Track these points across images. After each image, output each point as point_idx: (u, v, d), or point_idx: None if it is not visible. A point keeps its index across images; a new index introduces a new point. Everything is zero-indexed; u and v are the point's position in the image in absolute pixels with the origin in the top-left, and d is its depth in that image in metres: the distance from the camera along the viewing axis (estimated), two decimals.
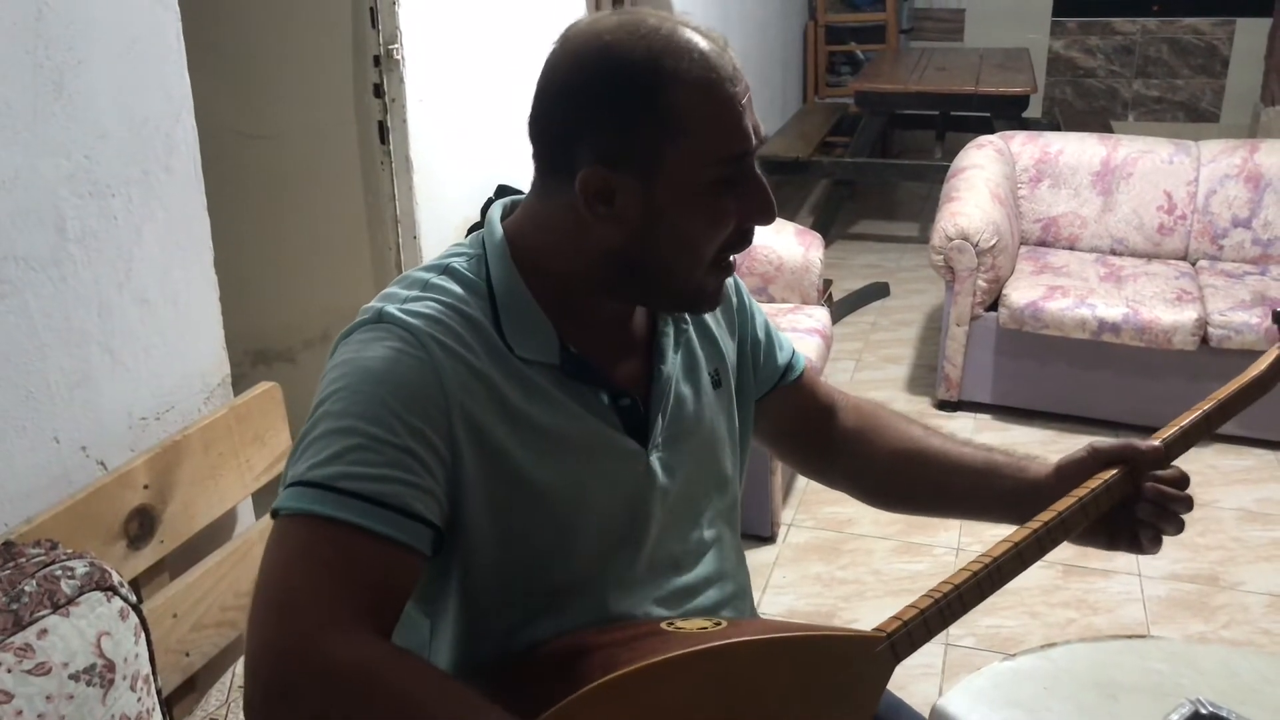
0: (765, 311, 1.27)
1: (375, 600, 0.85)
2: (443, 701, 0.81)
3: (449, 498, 0.93)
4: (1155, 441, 1.14)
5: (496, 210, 1.06)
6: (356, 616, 0.83)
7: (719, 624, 0.97)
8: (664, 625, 0.98)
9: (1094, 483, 1.10)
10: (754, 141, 0.96)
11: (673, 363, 1.08)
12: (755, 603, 1.25)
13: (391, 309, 0.95)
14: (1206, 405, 1.17)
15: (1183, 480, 1.13)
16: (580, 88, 0.94)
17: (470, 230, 1.08)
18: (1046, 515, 1.06)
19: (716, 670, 0.88)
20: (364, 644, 0.81)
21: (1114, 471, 1.11)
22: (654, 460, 1.05)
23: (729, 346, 1.18)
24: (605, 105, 0.93)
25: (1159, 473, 1.13)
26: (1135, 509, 1.11)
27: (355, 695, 0.79)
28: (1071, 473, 1.14)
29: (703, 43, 0.95)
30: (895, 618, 0.96)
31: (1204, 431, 1.18)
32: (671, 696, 0.85)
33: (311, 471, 0.87)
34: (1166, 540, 1.16)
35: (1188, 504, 1.12)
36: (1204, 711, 1.20)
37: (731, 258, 1.01)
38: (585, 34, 0.95)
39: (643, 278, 0.99)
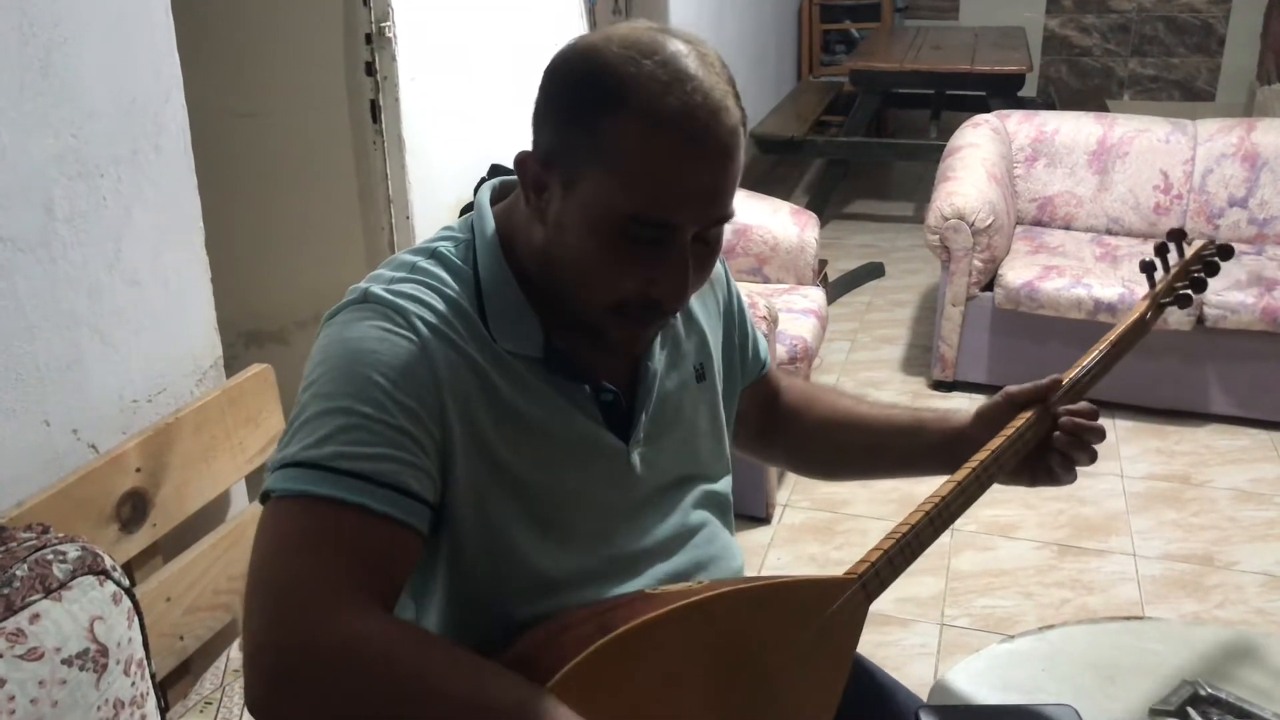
0: (760, 292, 1.27)
1: (376, 579, 0.84)
2: (458, 671, 0.80)
3: (441, 478, 0.92)
4: (1055, 375, 1.21)
5: (486, 193, 1.03)
6: (358, 594, 0.81)
7: (700, 583, 1.00)
8: (646, 590, 0.99)
9: (1018, 422, 1.16)
10: (685, 221, 0.89)
11: (658, 359, 1.07)
12: None
13: (377, 289, 0.94)
14: (1101, 346, 1.28)
15: (1093, 411, 1.18)
16: (554, 77, 0.92)
17: (463, 210, 1.06)
18: (982, 455, 1.13)
19: (705, 621, 0.91)
20: (369, 620, 0.80)
21: (1029, 413, 1.18)
22: (635, 457, 1.04)
23: (716, 339, 1.17)
24: (561, 102, 0.91)
25: (1071, 406, 1.18)
26: (1053, 440, 1.17)
27: (367, 672, 0.78)
28: (990, 417, 1.19)
29: (691, 98, 0.86)
30: (863, 560, 1.02)
31: (1103, 371, 1.27)
32: (667, 650, 0.88)
33: (305, 452, 0.86)
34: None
35: (1100, 434, 1.17)
36: (1202, 693, 1.20)
37: (647, 318, 0.95)
38: (602, 33, 0.92)
39: (554, 288, 0.96)
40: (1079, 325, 3.40)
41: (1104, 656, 1.30)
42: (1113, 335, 1.30)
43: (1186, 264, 1.39)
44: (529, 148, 0.94)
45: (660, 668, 0.87)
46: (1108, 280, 3.38)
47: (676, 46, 0.89)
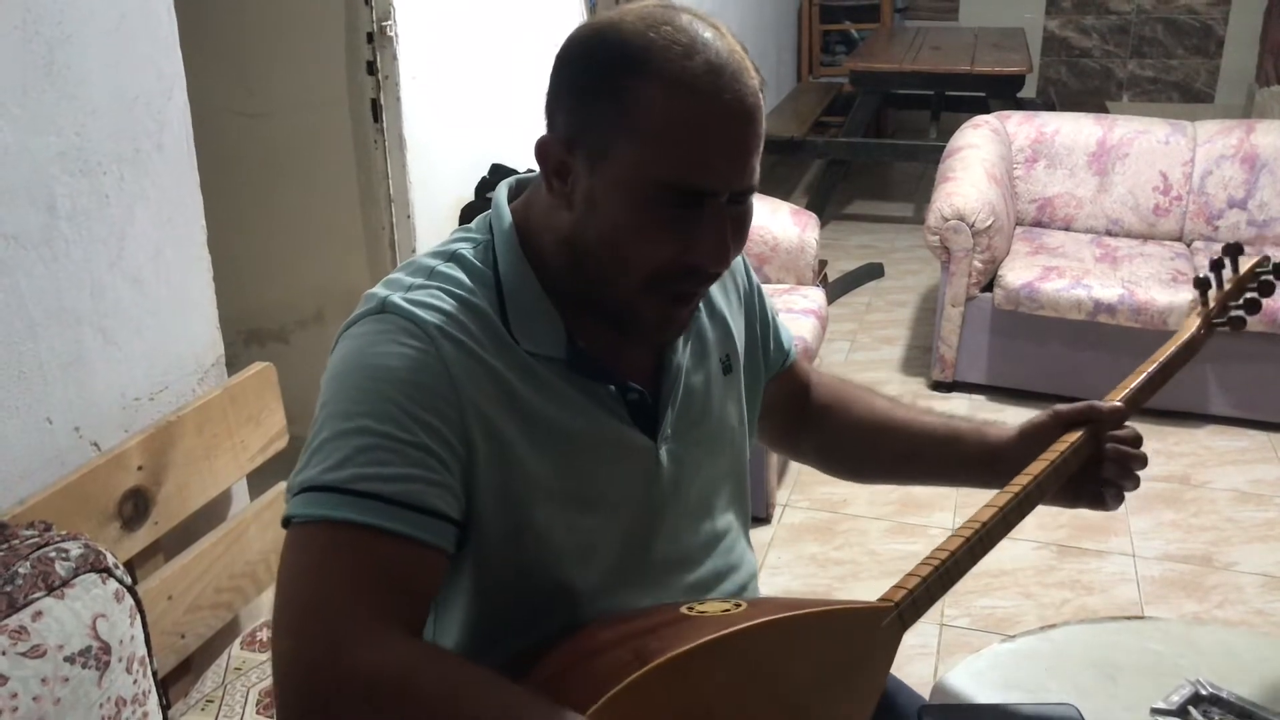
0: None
1: (403, 602, 0.83)
2: (486, 699, 0.79)
3: (465, 492, 0.91)
4: (1116, 403, 1.17)
5: (502, 192, 1.02)
6: (386, 620, 0.81)
7: (740, 605, 0.96)
8: (684, 610, 0.96)
9: (1061, 445, 1.13)
10: (720, 185, 0.89)
11: (682, 353, 1.05)
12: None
13: (395, 298, 0.92)
14: (1149, 368, 1.23)
15: (1138, 439, 1.16)
16: (570, 54, 0.91)
17: (464, 209, 1.06)
18: (1023, 479, 1.10)
19: (745, 651, 0.88)
20: (398, 648, 0.80)
21: (1079, 434, 1.14)
22: (663, 453, 1.02)
23: (739, 328, 1.15)
24: (580, 77, 0.90)
25: (1116, 433, 1.15)
26: (1100, 469, 1.14)
27: (396, 701, 0.77)
28: (1035, 435, 1.17)
29: (712, 60, 0.86)
30: (899, 586, 0.99)
31: (1149, 394, 1.23)
32: (707, 680, 0.85)
33: (324, 475, 0.85)
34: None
35: (1144, 461, 1.15)
36: (1203, 692, 1.20)
37: (684, 291, 0.94)
38: (612, 13, 0.91)
39: (584, 277, 0.94)
40: (1079, 326, 3.40)
41: (1105, 656, 1.29)
42: (1161, 355, 1.24)
43: (1241, 281, 1.33)
44: (546, 133, 0.93)
45: (699, 702, 0.85)
46: (1107, 281, 3.38)
47: (689, 18, 0.90)
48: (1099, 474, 1.14)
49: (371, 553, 0.83)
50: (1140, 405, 1.21)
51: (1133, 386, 1.20)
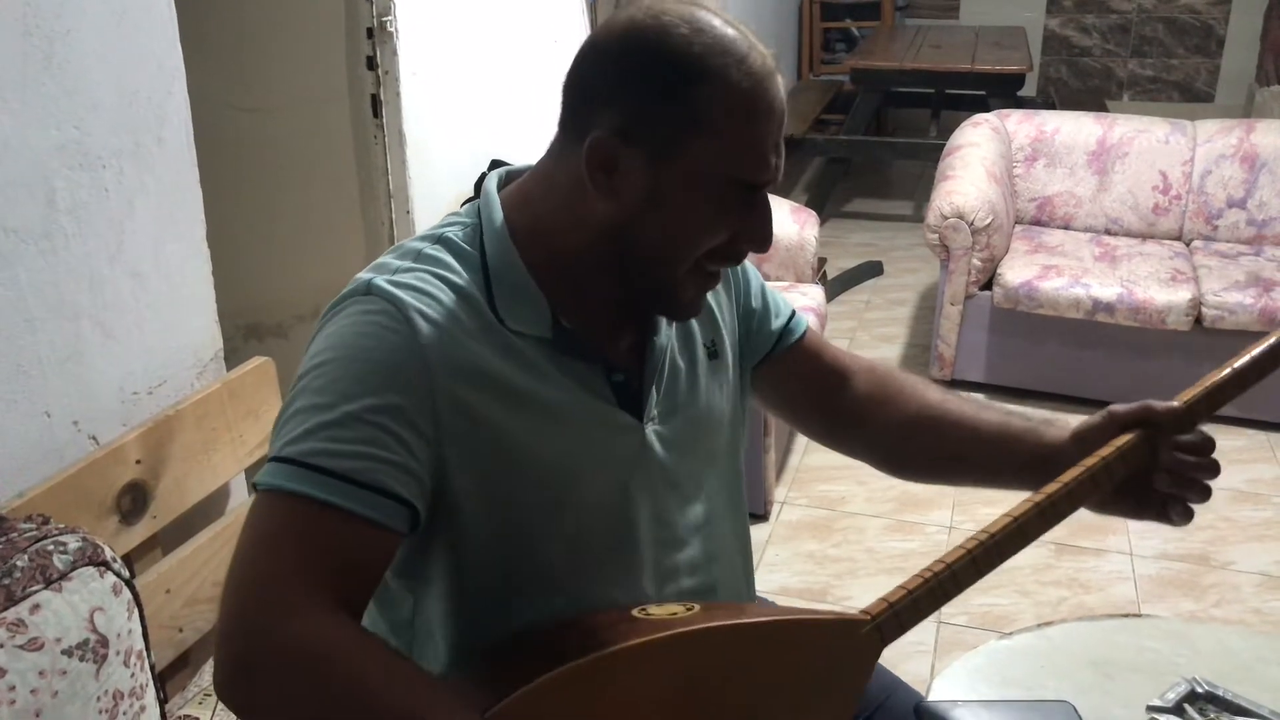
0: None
1: (343, 579, 0.85)
2: (392, 686, 0.81)
3: (434, 476, 0.92)
4: (1174, 402, 1.05)
5: (492, 180, 1.04)
6: (322, 596, 0.82)
7: (691, 609, 0.94)
8: (635, 612, 0.95)
9: (1106, 450, 1.02)
10: (770, 177, 0.96)
11: (666, 335, 1.07)
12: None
13: (380, 281, 0.94)
14: (1236, 362, 1.06)
15: (1206, 444, 1.04)
16: (624, 54, 0.93)
17: (464, 204, 1.06)
18: (1052, 487, 0.99)
19: (682, 657, 0.86)
20: (324, 625, 0.81)
21: (1128, 437, 1.02)
22: (650, 433, 1.03)
23: (727, 316, 1.16)
24: (642, 78, 0.92)
25: (1181, 439, 1.03)
26: (1153, 480, 1.04)
27: (309, 677, 0.79)
28: (1088, 437, 1.07)
29: (760, 64, 0.93)
30: (882, 599, 0.93)
31: (1232, 393, 1.06)
32: (633, 685, 0.84)
33: (286, 448, 0.87)
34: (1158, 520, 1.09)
35: (1213, 470, 1.03)
36: (1200, 690, 1.21)
37: (719, 270, 1.01)
38: (653, 11, 0.94)
39: (625, 262, 0.97)
40: (1077, 325, 3.41)
41: (1102, 654, 1.30)
42: (1251, 353, 1.07)
43: None
44: (598, 132, 0.93)
45: (623, 706, 0.83)
46: (1106, 280, 3.38)
47: (717, 19, 0.94)
48: (1154, 486, 1.04)
49: (318, 526, 0.85)
50: (1218, 405, 1.04)
51: (1209, 384, 1.04)
